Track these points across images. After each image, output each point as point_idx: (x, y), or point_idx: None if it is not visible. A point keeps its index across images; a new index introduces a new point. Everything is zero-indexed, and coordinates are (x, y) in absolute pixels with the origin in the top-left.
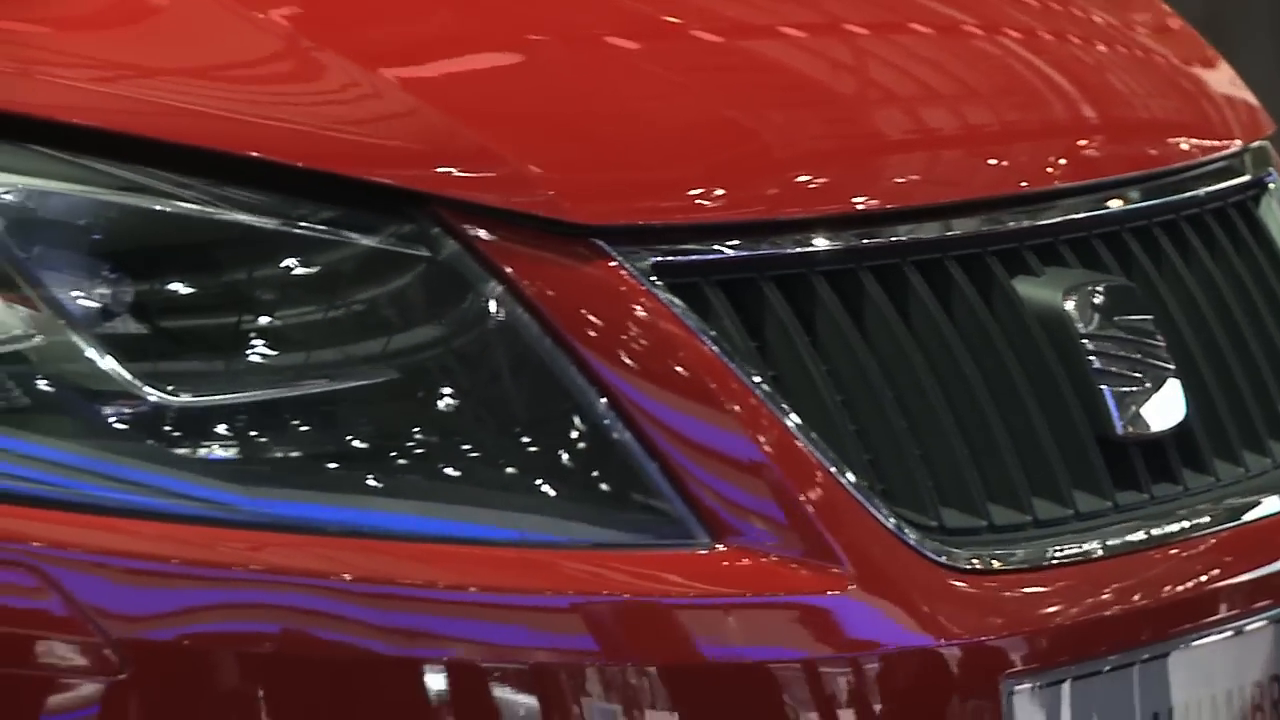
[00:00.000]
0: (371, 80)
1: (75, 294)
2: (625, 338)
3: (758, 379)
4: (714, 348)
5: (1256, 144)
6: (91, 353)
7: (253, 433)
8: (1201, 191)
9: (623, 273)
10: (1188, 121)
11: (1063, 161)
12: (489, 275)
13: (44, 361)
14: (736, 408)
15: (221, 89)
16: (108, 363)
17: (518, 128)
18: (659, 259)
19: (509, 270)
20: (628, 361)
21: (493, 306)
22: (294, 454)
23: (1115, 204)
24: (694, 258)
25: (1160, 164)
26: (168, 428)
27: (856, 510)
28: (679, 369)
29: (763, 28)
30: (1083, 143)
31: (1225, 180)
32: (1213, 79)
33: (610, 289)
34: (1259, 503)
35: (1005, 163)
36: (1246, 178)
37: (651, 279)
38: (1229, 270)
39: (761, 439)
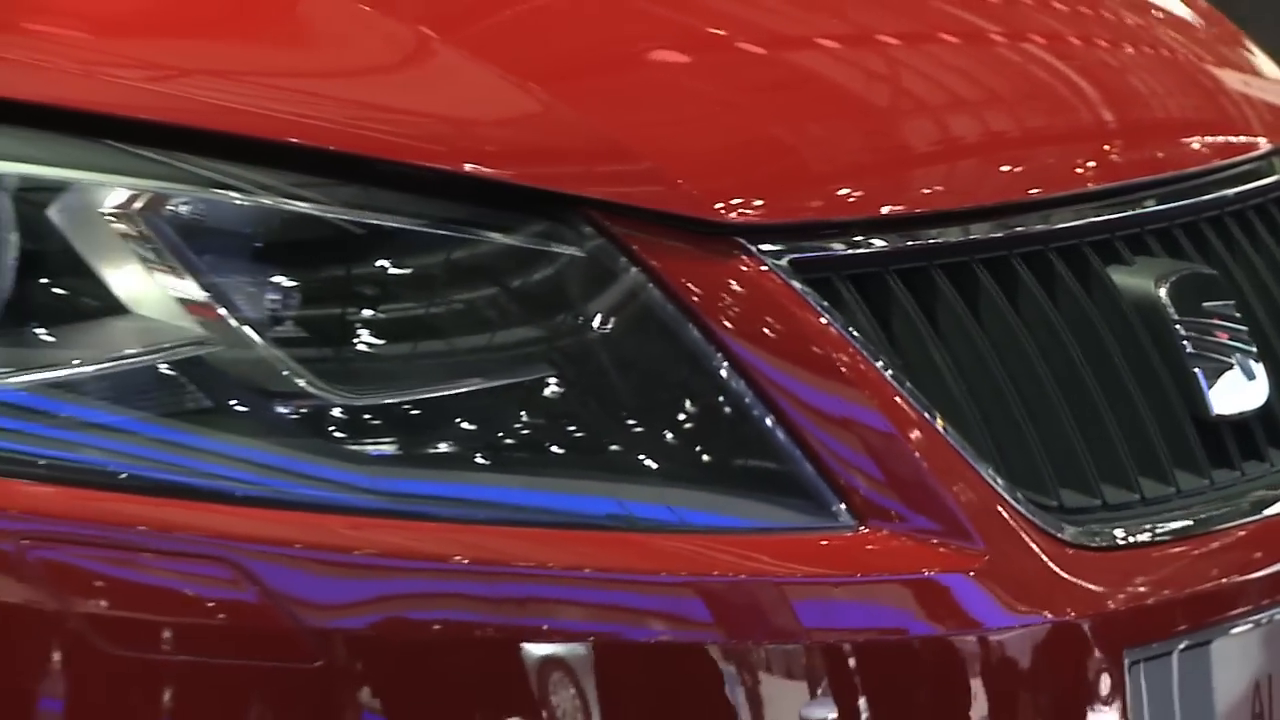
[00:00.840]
0: (519, 86)
1: (248, 300)
2: (766, 328)
3: (890, 367)
4: (849, 336)
5: None
6: (268, 356)
7: (422, 428)
8: (1267, 181)
9: (763, 268)
10: (1250, 118)
11: (1145, 157)
12: (638, 270)
13: (226, 366)
14: (873, 393)
15: (370, 96)
16: (284, 365)
17: (663, 132)
18: (795, 255)
19: (656, 265)
20: (770, 351)
21: (641, 300)
22: (462, 447)
23: (1194, 197)
24: (826, 253)
25: (1231, 156)
26: (343, 425)
27: (987, 491)
28: (818, 357)
29: (863, 40)
30: (1163, 140)
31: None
32: (1262, 79)
33: (752, 283)
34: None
35: (1094, 160)
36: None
37: (789, 273)
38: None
39: (899, 424)
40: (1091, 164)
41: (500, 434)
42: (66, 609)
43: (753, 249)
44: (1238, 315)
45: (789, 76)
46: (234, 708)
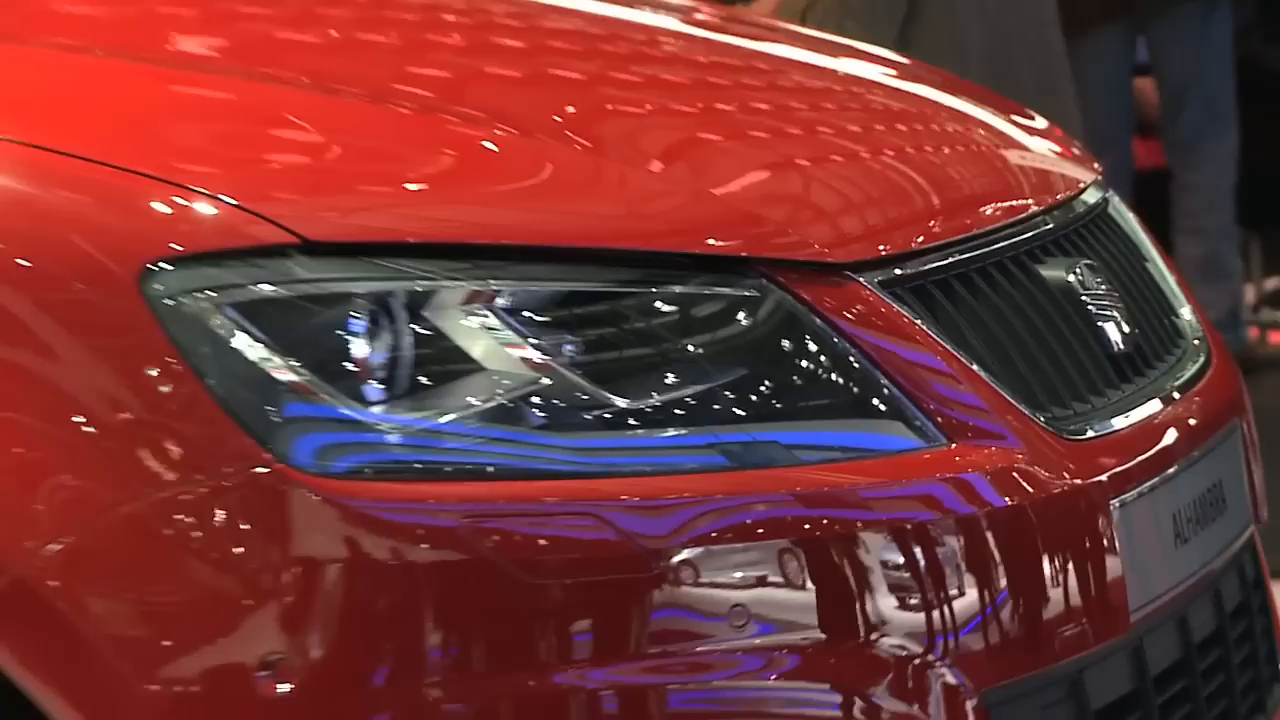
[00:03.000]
0: (692, 183)
1: (555, 349)
2: (872, 323)
3: (945, 340)
4: (917, 324)
5: (1099, 178)
6: (576, 383)
7: (676, 418)
8: (1091, 201)
9: (862, 288)
10: (1071, 172)
11: (1037, 197)
12: (791, 297)
13: (549, 393)
14: (942, 356)
15: (589, 206)
16: (586, 387)
17: (793, 211)
18: (879, 277)
19: (802, 293)
20: (878, 337)
21: (796, 315)
22: (703, 426)
23: (1067, 216)
24: (892, 275)
25: (1075, 189)
26: (631, 421)
27: (1018, 413)
28: (906, 338)
29: (884, 133)
30: (1037, 188)
31: (1098, 194)
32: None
33: (857, 297)
34: (1181, 378)
35: (1014, 201)
36: (1104, 193)
37: (876, 289)
38: (1118, 241)
39: (961, 375)
40: (1014, 203)
41: (738, 405)
42: (498, 558)
43: (855, 277)
44: (1110, 286)
45: (848, 163)
46: (602, 609)
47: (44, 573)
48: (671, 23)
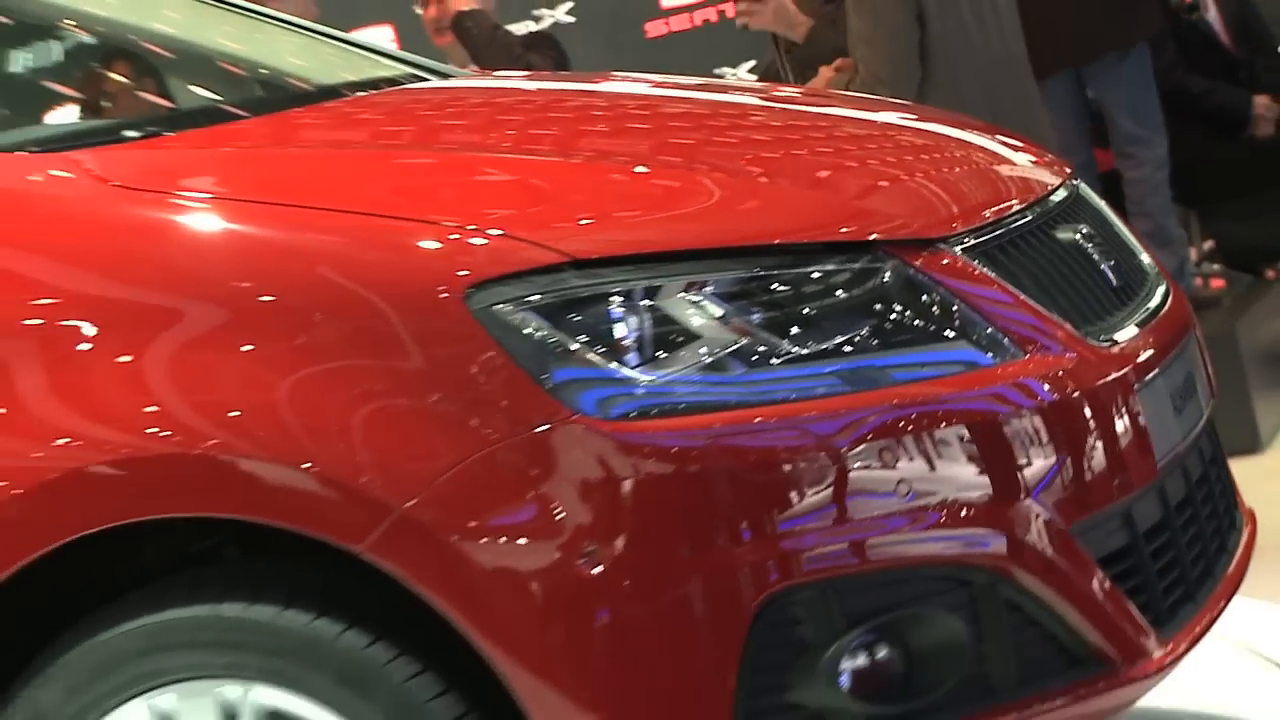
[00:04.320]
0: (823, 194)
1: (745, 317)
2: (967, 277)
3: (1017, 288)
4: (995, 275)
5: (1071, 173)
6: (762, 338)
7: (832, 355)
8: (1070, 188)
9: (950, 253)
10: (1054, 171)
11: (1040, 187)
12: (903, 264)
13: (745, 348)
14: (1009, 295)
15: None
16: (769, 340)
17: (895, 203)
18: (959, 244)
19: (911, 260)
20: (968, 285)
21: (910, 277)
22: (850, 358)
23: (1063, 195)
24: (973, 241)
25: (1060, 182)
26: (802, 362)
27: (1066, 331)
28: (984, 285)
29: (926, 146)
30: (1034, 180)
31: (1073, 184)
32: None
33: (951, 260)
34: (1148, 306)
35: (1029, 189)
36: (1075, 183)
37: (959, 254)
38: (1093, 213)
39: (1023, 306)
40: (1028, 191)
41: (875, 340)
42: (732, 463)
43: (943, 246)
44: (1098, 241)
45: (921, 172)
46: (802, 488)
47: (422, 508)
48: (765, 98)
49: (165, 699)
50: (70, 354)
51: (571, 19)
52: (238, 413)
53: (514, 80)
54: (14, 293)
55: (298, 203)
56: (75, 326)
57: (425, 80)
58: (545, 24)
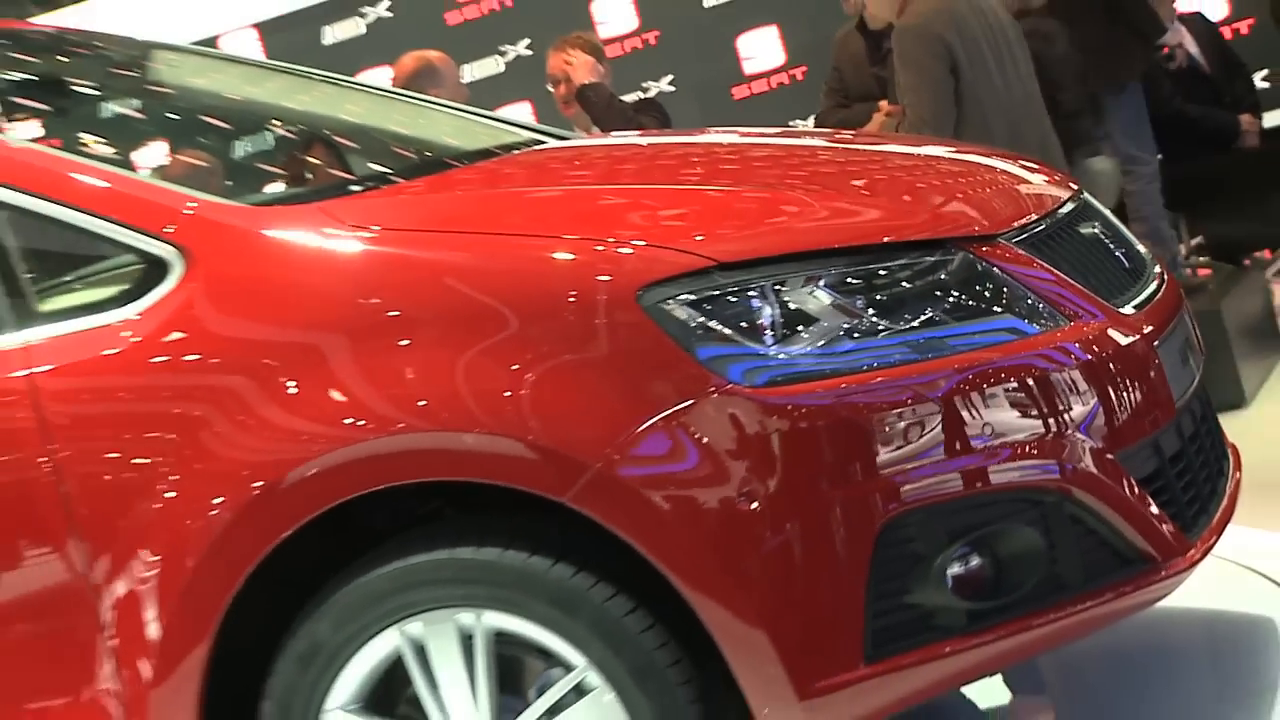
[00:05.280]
0: (903, 203)
1: (852, 302)
2: (1018, 265)
3: (1054, 268)
4: (1039, 258)
5: (1079, 185)
6: (865, 318)
7: (922, 327)
8: (1080, 195)
9: (1009, 246)
10: (1067, 183)
11: (1061, 194)
12: (971, 256)
13: (853, 326)
14: (1051, 274)
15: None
16: (871, 320)
17: (962, 207)
18: (1014, 238)
19: (978, 250)
20: (1019, 269)
21: (977, 266)
22: (936, 328)
23: (1072, 203)
24: (1024, 235)
25: (1073, 191)
26: (900, 335)
27: (1100, 302)
28: (1031, 266)
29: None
30: (1052, 192)
31: (1081, 193)
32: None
33: (1006, 249)
34: (1150, 286)
35: (1056, 196)
36: (1083, 194)
37: (1014, 245)
38: (1098, 213)
39: (1064, 284)
40: (1056, 197)
41: (952, 315)
42: (856, 416)
43: (1001, 240)
44: (1109, 235)
45: (981, 182)
46: (910, 436)
47: (612, 465)
48: (831, 140)
49: (414, 626)
50: (389, 345)
51: (673, 88)
52: (474, 400)
53: (629, 137)
54: (350, 293)
55: (501, 231)
56: (396, 319)
57: (544, 142)
58: (651, 93)
